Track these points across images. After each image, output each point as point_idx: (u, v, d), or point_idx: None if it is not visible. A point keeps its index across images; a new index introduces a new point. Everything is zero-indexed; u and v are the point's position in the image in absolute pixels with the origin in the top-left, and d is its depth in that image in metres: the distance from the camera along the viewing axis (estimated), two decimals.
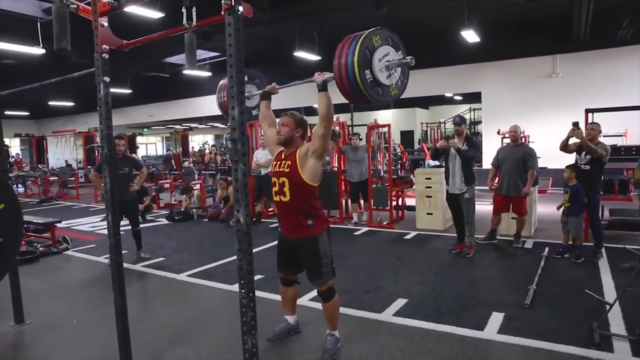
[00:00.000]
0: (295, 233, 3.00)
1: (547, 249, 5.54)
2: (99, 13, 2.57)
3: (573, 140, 5.33)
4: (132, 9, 7.02)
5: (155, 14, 7.69)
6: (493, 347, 3.18)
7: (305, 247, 3.00)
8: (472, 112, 22.07)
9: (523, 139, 8.36)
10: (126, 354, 2.87)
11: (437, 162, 7.93)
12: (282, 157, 3.03)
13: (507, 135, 10.36)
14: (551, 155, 8.12)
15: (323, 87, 2.81)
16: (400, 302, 4.03)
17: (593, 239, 5.34)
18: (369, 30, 2.48)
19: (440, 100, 21.93)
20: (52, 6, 2.36)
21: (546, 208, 7.93)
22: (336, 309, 3.16)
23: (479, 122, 22.78)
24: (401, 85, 2.75)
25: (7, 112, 18.56)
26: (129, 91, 16.70)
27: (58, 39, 1.94)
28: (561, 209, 5.39)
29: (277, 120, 3.11)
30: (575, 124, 5.29)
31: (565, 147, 5.42)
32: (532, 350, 3.09)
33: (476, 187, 5.63)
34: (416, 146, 21.09)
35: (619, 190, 7.63)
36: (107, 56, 2.65)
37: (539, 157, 6.06)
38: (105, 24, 2.62)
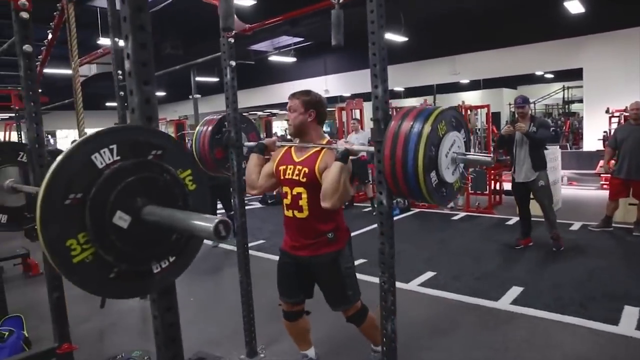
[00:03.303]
0: (309, 250, 2.37)
1: None
2: None
3: None
4: None
5: (248, 2, 7.86)
6: (635, 345, 2.90)
7: (323, 266, 2.39)
8: (565, 91, 20.53)
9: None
10: (250, 332, 2.97)
11: None
12: (295, 159, 2.34)
13: (617, 114, 9.53)
14: None
15: (343, 158, 2.12)
16: (515, 290, 3.82)
17: None
18: (434, 116, 1.84)
19: (529, 79, 20.57)
20: None
21: None
22: (374, 326, 2.48)
23: (573, 102, 21.19)
24: (464, 177, 2.09)
25: (107, 104, 20.06)
26: (217, 79, 17.37)
27: (224, 18, 1.98)
28: None
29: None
30: None
31: None
32: None
33: (577, 171, 5.18)
34: (502, 128, 20.06)
35: None
36: (232, 41, 2.71)
37: None
38: None
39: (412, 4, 10.89)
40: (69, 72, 2.83)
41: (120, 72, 3.89)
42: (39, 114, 2.29)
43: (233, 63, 2.74)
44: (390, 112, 2.02)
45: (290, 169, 2.33)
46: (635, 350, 2.87)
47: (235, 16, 2.73)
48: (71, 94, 2.62)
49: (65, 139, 24.67)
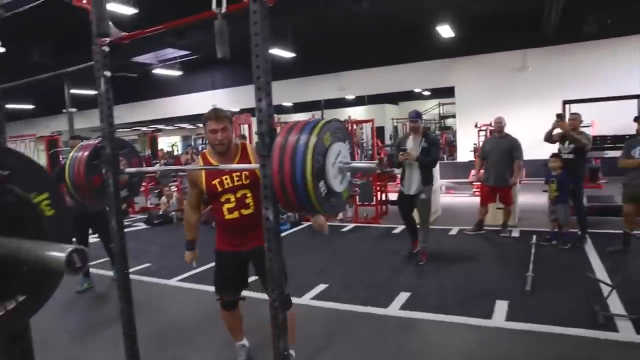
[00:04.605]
0: (255, 241, 2.55)
1: (534, 236, 5.64)
2: None
3: (557, 130, 5.46)
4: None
5: (129, 10, 7.41)
6: (506, 335, 3.20)
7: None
8: (441, 107, 22.43)
9: None
10: None
11: None
12: (227, 170, 2.58)
13: (483, 128, 10.60)
14: (525, 147, 8.32)
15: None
16: (403, 296, 4.01)
17: (578, 225, 5.48)
18: (319, 128, 1.86)
19: (409, 95, 22.17)
20: None
21: (523, 198, 8.10)
22: (293, 320, 2.71)
23: (448, 117, 23.23)
24: (352, 186, 2.23)
25: None
26: (95, 92, 16.08)
27: (98, 22, 1.81)
28: (547, 199, 5.51)
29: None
30: (559, 116, 5.45)
31: (549, 138, 5.54)
32: (546, 335, 3.13)
33: (454, 180, 5.64)
34: (386, 141, 21.25)
35: (590, 178, 7.92)
36: (107, 49, 2.50)
37: None
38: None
39: (299, 21, 11.15)
40: None
41: None
42: None
43: (108, 73, 2.53)
44: (277, 127, 2.01)
45: (227, 178, 2.57)
46: (505, 339, 3.16)
47: (110, 23, 2.53)
48: None
49: None
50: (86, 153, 2.72)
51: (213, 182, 2.59)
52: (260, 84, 1.89)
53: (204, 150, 2.94)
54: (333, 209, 2.07)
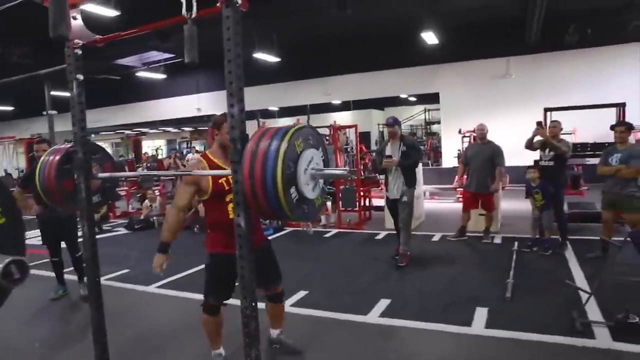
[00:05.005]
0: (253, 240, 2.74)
1: (516, 243, 5.65)
2: (70, 4, 2.35)
3: (537, 138, 5.51)
4: (86, 7, 6.63)
5: (110, 12, 7.31)
6: (485, 342, 3.19)
7: (265, 251, 2.90)
8: (426, 113, 22.58)
9: None
10: None
11: None
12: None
13: (467, 134, 10.68)
14: (508, 154, 8.38)
15: None
16: (384, 303, 3.98)
17: (559, 232, 5.53)
18: (290, 134, 1.86)
19: (395, 101, 22.30)
20: None
21: (506, 204, 8.15)
22: (284, 310, 3.28)
23: (433, 123, 23.40)
24: (324, 193, 2.17)
25: None
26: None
27: (54, 24, 1.74)
28: (531, 207, 5.54)
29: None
30: (539, 123, 5.50)
31: (530, 145, 5.58)
32: (524, 342, 3.13)
33: (438, 186, 5.65)
34: (372, 147, 21.31)
35: (572, 185, 8.03)
36: (79, 52, 2.45)
37: None
38: (78, 16, 2.40)
39: (286, 24, 11.15)
40: None
41: None
42: None
43: (80, 77, 2.47)
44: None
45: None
46: (485, 346, 3.15)
47: (82, 24, 2.48)
48: None
49: None
50: (57, 157, 2.66)
51: (220, 181, 2.68)
52: (233, 90, 1.86)
53: (206, 151, 3.02)
54: (305, 215, 2.04)
